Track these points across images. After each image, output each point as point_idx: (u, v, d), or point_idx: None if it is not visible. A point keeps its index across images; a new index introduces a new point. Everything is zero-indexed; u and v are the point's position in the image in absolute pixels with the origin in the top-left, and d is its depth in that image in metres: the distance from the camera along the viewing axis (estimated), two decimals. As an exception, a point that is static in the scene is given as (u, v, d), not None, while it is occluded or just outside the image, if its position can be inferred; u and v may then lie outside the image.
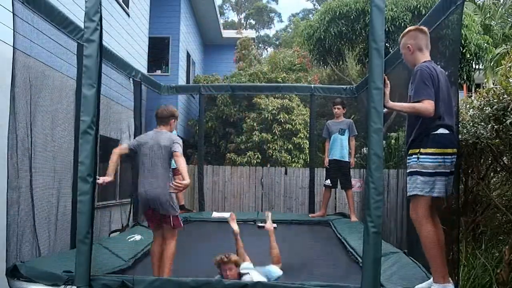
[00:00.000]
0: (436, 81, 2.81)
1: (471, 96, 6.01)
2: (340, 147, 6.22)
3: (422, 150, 2.80)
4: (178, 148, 3.52)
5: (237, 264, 3.42)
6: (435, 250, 2.75)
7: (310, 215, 6.75)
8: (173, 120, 3.80)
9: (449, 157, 2.80)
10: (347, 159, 6.20)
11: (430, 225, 2.78)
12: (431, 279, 2.83)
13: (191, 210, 7.01)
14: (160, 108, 3.80)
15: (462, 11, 3.05)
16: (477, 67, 10.34)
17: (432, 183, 2.78)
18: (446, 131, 2.82)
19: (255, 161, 10.11)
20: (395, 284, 2.91)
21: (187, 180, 3.32)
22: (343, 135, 6.21)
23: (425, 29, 3.02)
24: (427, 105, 2.76)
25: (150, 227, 3.72)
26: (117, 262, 3.79)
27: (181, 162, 3.47)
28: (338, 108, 6.30)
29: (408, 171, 2.91)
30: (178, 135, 3.89)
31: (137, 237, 4.72)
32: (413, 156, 2.86)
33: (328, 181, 6.35)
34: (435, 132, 2.80)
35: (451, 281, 2.77)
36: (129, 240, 4.62)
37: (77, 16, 4.44)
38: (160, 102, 7.24)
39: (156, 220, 3.57)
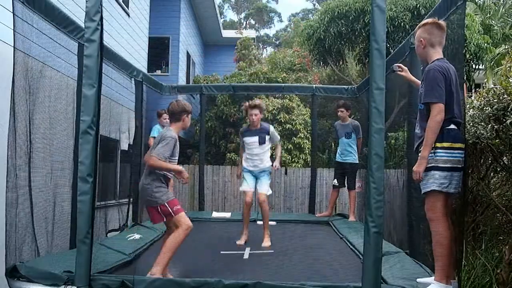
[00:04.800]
0: (448, 80, 2.80)
1: (471, 96, 6.01)
2: (346, 150, 6.28)
3: (438, 145, 2.78)
4: (155, 153, 3.39)
5: (261, 110, 4.86)
6: (446, 249, 2.74)
7: (317, 215, 6.78)
8: (185, 115, 3.67)
9: (461, 151, 2.80)
10: (351, 161, 6.24)
11: (447, 224, 2.76)
12: (433, 276, 2.83)
13: None
14: (171, 104, 3.70)
15: (464, 11, 3.04)
16: (477, 67, 10.34)
17: (449, 178, 2.76)
18: (455, 127, 2.82)
19: (255, 161, 10.10)
20: (397, 279, 2.91)
21: (184, 173, 3.47)
22: (349, 138, 6.24)
23: (443, 24, 2.98)
24: (439, 114, 2.75)
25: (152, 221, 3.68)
26: (119, 256, 3.80)
27: (159, 167, 3.39)
28: (341, 111, 6.30)
29: None
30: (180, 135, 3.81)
31: (137, 236, 4.72)
32: (421, 150, 2.84)
33: (335, 181, 6.40)
34: (448, 127, 2.79)
35: (452, 283, 2.77)
36: (129, 239, 4.62)
37: (78, 16, 4.44)
38: (160, 102, 7.24)
39: (152, 214, 3.53)
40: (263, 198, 4.82)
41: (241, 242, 4.79)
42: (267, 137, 4.86)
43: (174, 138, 3.50)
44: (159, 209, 3.44)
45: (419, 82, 3.34)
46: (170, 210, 3.42)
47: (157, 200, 3.43)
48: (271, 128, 4.96)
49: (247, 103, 4.96)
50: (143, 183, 3.50)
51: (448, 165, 2.77)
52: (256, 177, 4.95)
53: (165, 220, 3.51)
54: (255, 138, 4.82)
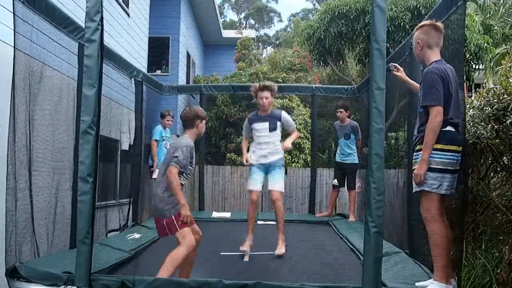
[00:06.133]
0: (446, 82, 2.80)
1: (471, 96, 6.01)
2: (345, 151, 6.29)
3: None
4: (174, 162, 3.24)
5: (273, 92, 4.05)
6: (444, 249, 2.75)
7: (317, 215, 6.79)
8: (199, 121, 3.51)
9: (457, 154, 2.81)
10: (350, 162, 6.25)
11: (443, 224, 2.77)
12: (432, 279, 2.83)
13: None
14: (184, 111, 3.58)
15: (464, 11, 3.04)
16: (477, 67, 10.35)
17: (440, 179, 2.77)
18: (452, 129, 2.82)
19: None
20: (396, 282, 2.91)
21: (182, 211, 3.18)
22: (348, 139, 6.26)
23: (440, 26, 2.99)
24: (438, 117, 2.75)
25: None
26: (120, 254, 3.81)
27: (171, 182, 3.20)
28: (341, 112, 6.30)
29: (414, 167, 2.90)
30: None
31: (136, 235, 4.73)
32: (422, 152, 2.84)
33: (335, 181, 6.41)
34: (444, 129, 2.79)
35: (452, 283, 2.77)
36: (128, 238, 4.63)
37: (78, 16, 4.44)
38: (160, 102, 7.25)
39: (158, 226, 3.40)
40: (277, 196, 4.07)
41: (244, 248, 4.19)
42: (278, 123, 4.17)
43: (190, 146, 3.38)
44: (164, 223, 3.28)
45: (414, 83, 3.35)
46: (175, 223, 3.26)
47: (163, 214, 3.27)
48: (284, 113, 4.26)
49: (256, 85, 4.26)
50: (156, 190, 3.36)
51: (440, 167, 2.77)
52: (266, 172, 4.18)
53: (169, 235, 3.30)
54: (265, 124, 4.13)
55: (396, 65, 3.47)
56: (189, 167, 3.39)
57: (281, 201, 4.03)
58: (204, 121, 3.58)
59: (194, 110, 3.55)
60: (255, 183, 4.15)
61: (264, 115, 4.15)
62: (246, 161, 4.11)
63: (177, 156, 3.26)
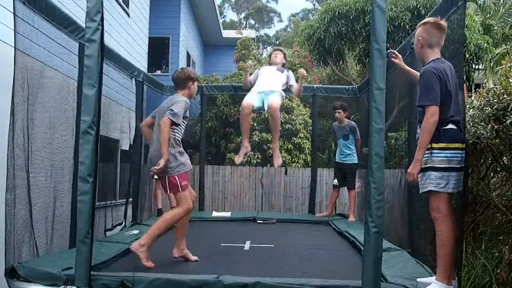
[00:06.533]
0: (443, 81, 2.79)
1: (471, 96, 6.02)
2: (344, 151, 6.31)
3: (434, 145, 2.77)
4: (168, 113, 3.31)
5: (285, 56, 4.60)
6: (449, 250, 2.74)
7: (317, 215, 6.80)
8: (191, 82, 3.58)
9: (460, 151, 2.80)
10: (350, 162, 6.26)
11: (452, 224, 2.76)
12: (434, 276, 2.83)
13: None
14: (176, 72, 3.66)
15: (464, 11, 3.04)
16: (477, 67, 10.36)
17: (446, 178, 2.76)
18: (454, 127, 2.82)
19: (255, 161, 10.12)
20: (397, 278, 2.91)
21: (162, 161, 3.25)
22: (347, 140, 6.28)
23: (444, 24, 2.97)
24: (433, 116, 2.74)
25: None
26: (120, 246, 3.83)
27: (162, 132, 3.27)
28: (339, 113, 6.31)
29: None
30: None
31: (135, 231, 4.75)
32: (425, 151, 2.85)
33: (335, 181, 6.43)
34: (446, 127, 2.79)
35: (453, 283, 2.77)
36: (127, 234, 4.64)
37: (78, 16, 4.44)
38: (160, 102, 7.26)
39: (162, 184, 3.51)
40: (275, 106, 4.20)
41: (239, 157, 4.40)
42: (285, 73, 4.42)
43: (187, 102, 3.46)
44: (167, 180, 3.36)
45: (414, 71, 3.35)
46: (178, 184, 3.36)
47: (167, 170, 3.34)
48: (290, 71, 4.54)
49: (270, 51, 4.70)
50: (156, 147, 3.41)
51: (444, 165, 2.77)
52: (265, 98, 4.33)
53: (169, 192, 3.42)
54: (274, 67, 4.41)
55: (395, 51, 3.46)
56: (183, 121, 3.47)
57: (278, 112, 4.27)
58: (196, 83, 3.65)
59: (186, 71, 3.62)
60: (251, 97, 4.37)
61: (274, 66, 4.44)
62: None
63: (172, 109, 3.33)
